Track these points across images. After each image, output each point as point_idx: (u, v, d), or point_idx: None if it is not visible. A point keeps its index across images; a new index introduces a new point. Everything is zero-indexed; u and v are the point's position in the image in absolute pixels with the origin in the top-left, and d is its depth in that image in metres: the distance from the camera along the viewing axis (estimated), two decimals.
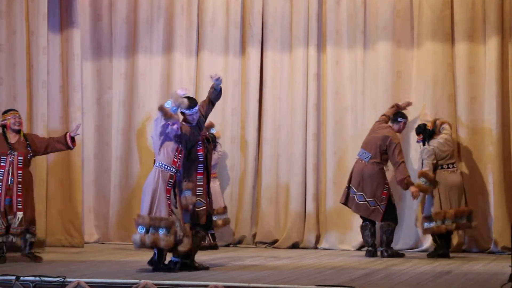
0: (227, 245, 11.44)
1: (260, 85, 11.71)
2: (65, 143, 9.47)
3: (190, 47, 11.80)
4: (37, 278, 7.40)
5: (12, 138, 9.23)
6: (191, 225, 8.33)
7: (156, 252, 8.16)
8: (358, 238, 11.09)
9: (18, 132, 9.28)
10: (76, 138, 11.22)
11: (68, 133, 9.55)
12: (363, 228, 10.26)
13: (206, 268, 8.41)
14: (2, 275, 7.58)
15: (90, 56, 11.97)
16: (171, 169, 8.13)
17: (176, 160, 8.14)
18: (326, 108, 11.44)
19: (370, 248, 10.17)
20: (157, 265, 8.16)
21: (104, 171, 11.95)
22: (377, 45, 11.23)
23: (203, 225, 8.47)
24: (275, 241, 11.44)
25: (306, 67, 11.46)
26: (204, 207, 8.41)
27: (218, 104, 11.24)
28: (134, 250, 9.33)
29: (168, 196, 8.11)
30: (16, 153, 9.13)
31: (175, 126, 8.08)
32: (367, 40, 11.30)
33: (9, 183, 9.01)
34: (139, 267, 8.51)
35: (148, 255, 8.48)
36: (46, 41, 10.65)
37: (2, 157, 9.10)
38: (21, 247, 9.17)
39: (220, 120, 11.48)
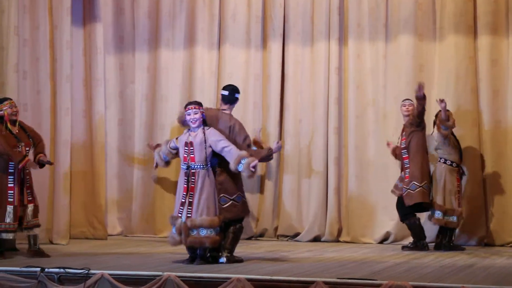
0: (249, 238, 11.47)
1: (281, 79, 11.72)
2: (37, 162, 9.03)
3: (212, 40, 11.83)
4: (62, 270, 7.46)
5: (13, 129, 8.85)
6: (231, 219, 8.41)
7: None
8: (379, 231, 11.11)
9: (14, 122, 8.89)
10: (99, 131, 11.39)
11: (39, 156, 9.04)
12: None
13: (240, 260, 8.46)
14: (27, 266, 7.67)
15: (112, 50, 12.02)
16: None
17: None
18: (347, 101, 11.44)
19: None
20: (204, 258, 8.21)
21: (127, 164, 12.02)
22: (399, 39, 11.21)
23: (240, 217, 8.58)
24: (297, 234, 11.47)
25: (327, 60, 11.45)
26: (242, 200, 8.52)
27: (240, 98, 11.37)
28: (157, 242, 9.34)
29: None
30: (23, 143, 8.85)
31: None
32: (389, 33, 11.28)
33: (22, 176, 8.78)
34: (162, 260, 8.58)
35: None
36: (69, 36, 10.70)
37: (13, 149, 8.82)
38: (30, 242, 8.91)
39: (242, 113, 11.51)
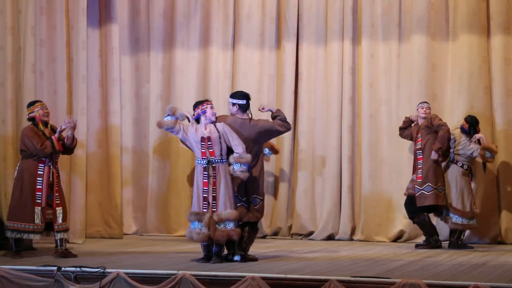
0: (263, 237, 11.51)
1: (295, 79, 11.76)
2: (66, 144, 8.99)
3: (226, 41, 11.90)
4: (78, 269, 7.54)
5: (45, 130, 8.91)
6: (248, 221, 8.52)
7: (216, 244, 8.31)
8: (393, 230, 11.15)
9: (46, 124, 8.95)
10: (114, 130, 11.43)
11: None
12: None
13: (254, 259, 8.53)
14: (44, 265, 7.76)
15: (128, 50, 12.11)
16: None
17: None
18: (361, 101, 11.48)
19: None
20: (219, 255, 8.29)
21: (142, 164, 12.09)
22: (412, 38, 11.23)
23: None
24: (311, 233, 11.52)
25: (341, 60, 11.50)
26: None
27: (254, 98, 11.40)
28: (172, 241, 9.37)
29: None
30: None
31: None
32: (402, 33, 11.32)
33: (50, 178, 8.87)
34: (177, 258, 8.64)
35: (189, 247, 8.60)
36: (85, 36, 10.79)
37: None
38: (57, 243, 8.91)
39: (256, 113, 11.52)
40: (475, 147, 10.17)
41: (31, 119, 8.94)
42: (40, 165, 8.82)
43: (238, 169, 8.21)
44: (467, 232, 10.53)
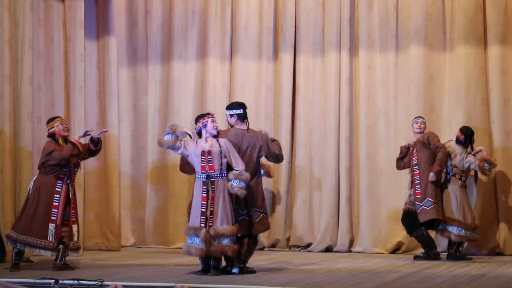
0: (261, 249, 11.50)
1: (293, 90, 11.78)
2: (88, 148, 9.06)
3: (224, 52, 11.91)
4: (76, 282, 7.52)
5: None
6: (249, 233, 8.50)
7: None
8: (391, 241, 11.14)
9: (66, 139, 8.90)
10: (112, 142, 11.43)
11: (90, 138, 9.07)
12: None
13: (253, 271, 8.51)
14: (42, 278, 7.74)
15: (126, 62, 12.13)
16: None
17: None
18: (358, 112, 11.49)
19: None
20: (217, 268, 8.27)
21: (140, 175, 12.09)
22: (410, 49, 11.26)
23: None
24: (309, 245, 11.51)
25: (338, 71, 11.51)
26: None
27: (251, 109, 11.41)
28: (170, 253, 9.36)
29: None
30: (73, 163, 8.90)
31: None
32: (399, 44, 11.34)
33: (69, 195, 8.83)
34: (175, 271, 8.63)
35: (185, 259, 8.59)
36: (83, 48, 10.82)
37: (63, 169, 8.83)
38: (56, 258, 8.79)
39: (254, 124, 11.52)
40: (472, 159, 10.18)
41: (51, 135, 8.90)
42: (58, 182, 8.79)
43: (236, 185, 8.20)
44: (466, 243, 10.52)
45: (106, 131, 9.25)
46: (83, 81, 10.86)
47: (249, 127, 8.67)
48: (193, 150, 8.32)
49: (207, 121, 8.40)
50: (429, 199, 10.07)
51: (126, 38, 12.13)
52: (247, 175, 8.25)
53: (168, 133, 8.38)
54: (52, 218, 8.74)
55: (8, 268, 8.74)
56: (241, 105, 8.70)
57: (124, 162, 12.01)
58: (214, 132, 8.36)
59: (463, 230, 10.12)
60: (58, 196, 8.79)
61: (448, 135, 10.62)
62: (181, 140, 8.38)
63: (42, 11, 10.42)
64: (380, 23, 11.39)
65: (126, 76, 12.12)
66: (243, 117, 8.65)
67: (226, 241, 8.16)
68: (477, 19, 10.97)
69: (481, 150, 10.25)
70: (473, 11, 10.96)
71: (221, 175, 8.26)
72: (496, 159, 10.58)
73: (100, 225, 11.40)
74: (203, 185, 8.26)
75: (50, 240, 8.71)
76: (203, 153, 8.26)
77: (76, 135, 9.10)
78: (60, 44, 10.60)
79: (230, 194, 8.28)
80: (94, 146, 9.06)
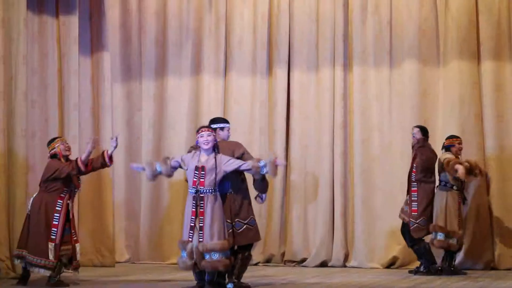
0: (256, 264, 11.48)
1: (287, 105, 11.79)
2: (102, 160, 8.97)
3: (218, 68, 11.93)
4: None
5: None
6: (242, 247, 8.46)
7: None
8: (387, 256, 11.14)
9: (67, 158, 8.87)
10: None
11: (105, 151, 9.03)
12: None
13: (247, 286, 8.48)
14: None
15: (120, 78, 12.12)
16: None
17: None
18: (353, 127, 11.50)
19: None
20: (212, 283, 8.22)
21: (134, 191, 12.07)
22: (403, 65, 11.30)
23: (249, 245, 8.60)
24: (304, 260, 11.49)
25: (332, 87, 11.54)
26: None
27: (246, 124, 11.39)
28: (165, 268, 9.32)
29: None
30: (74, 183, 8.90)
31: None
32: (393, 59, 11.38)
33: (69, 215, 8.81)
34: (170, 287, 8.60)
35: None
36: (77, 64, 10.83)
37: (64, 189, 8.83)
38: (51, 274, 8.78)
39: (248, 139, 11.55)
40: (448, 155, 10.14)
41: (53, 156, 8.86)
42: (59, 201, 8.76)
43: (262, 164, 8.12)
44: (461, 257, 10.52)
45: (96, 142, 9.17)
46: (77, 97, 10.87)
47: (244, 144, 8.64)
48: (189, 163, 8.26)
49: (198, 136, 8.29)
50: (424, 218, 10.08)
51: (120, 54, 12.13)
52: (257, 159, 8.20)
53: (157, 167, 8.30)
54: (52, 237, 8.71)
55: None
56: (223, 120, 8.80)
57: (118, 177, 11.98)
58: (205, 147, 8.19)
59: (443, 236, 10.03)
60: (58, 215, 8.75)
61: (442, 150, 10.62)
62: (170, 160, 8.30)
63: (36, 27, 10.44)
64: (374, 39, 11.43)
65: (120, 92, 12.10)
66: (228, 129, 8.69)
67: (216, 256, 8.10)
68: (470, 34, 11.02)
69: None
70: (467, 26, 11.02)
71: (210, 191, 8.15)
72: (489, 172, 10.60)
73: (94, 241, 11.36)
74: (193, 200, 8.19)
75: (50, 258, 8.67)
76: (196, 168, 8.20)
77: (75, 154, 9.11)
78: (55, 60, 10.61)
79: (223, 209, 8.22)
80: (109, 160, 8.97)
